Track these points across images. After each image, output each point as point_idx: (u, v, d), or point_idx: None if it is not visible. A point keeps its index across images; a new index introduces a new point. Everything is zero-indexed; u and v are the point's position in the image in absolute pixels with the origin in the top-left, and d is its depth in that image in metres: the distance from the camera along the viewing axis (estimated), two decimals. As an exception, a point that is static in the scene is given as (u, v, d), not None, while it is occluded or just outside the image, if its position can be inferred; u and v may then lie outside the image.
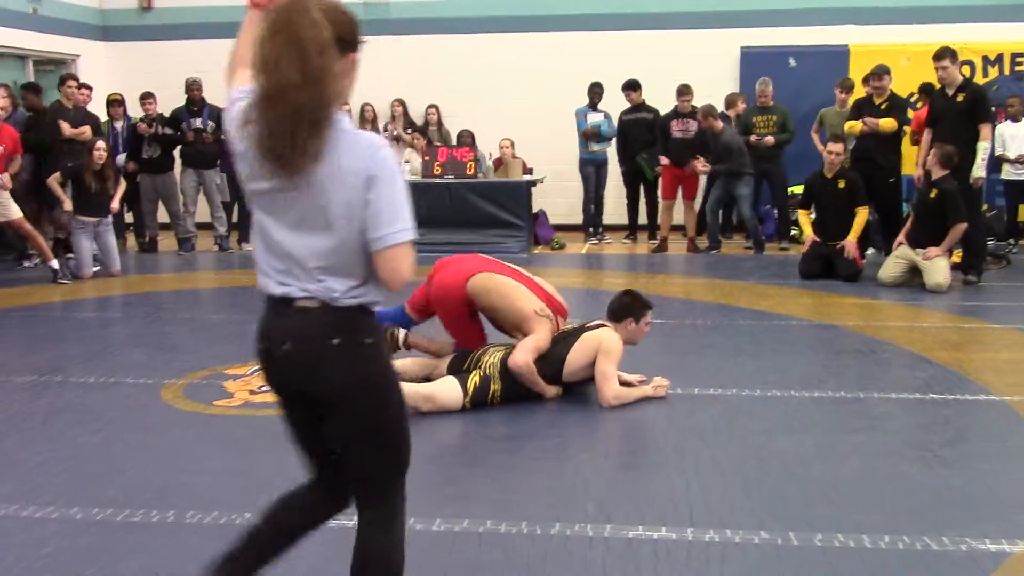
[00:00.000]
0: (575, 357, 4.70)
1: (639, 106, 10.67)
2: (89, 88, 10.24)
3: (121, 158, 10.18)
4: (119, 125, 10.58)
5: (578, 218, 11.41)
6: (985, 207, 9.00)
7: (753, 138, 10.06)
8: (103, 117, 10.51)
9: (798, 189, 9.75)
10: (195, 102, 10.41)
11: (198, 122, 10.35)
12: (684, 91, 10.21)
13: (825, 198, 8.50)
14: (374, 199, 2.03)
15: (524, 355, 4.63)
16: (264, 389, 5.02)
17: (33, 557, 3.07)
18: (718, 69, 11.53)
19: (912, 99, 10.27)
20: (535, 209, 10.92)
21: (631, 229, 11.25)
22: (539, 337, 4.73)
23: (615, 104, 10.82)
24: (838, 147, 8.45)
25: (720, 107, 10.32)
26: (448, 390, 4.61)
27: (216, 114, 10.41)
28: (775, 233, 10.68)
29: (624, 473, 3.88)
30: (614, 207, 11.40)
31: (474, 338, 5.02)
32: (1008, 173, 10.19)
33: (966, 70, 10.22)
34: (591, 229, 11.21)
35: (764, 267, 9.16)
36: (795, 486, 3.63)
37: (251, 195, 2.17)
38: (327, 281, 2.09)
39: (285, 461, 3.98)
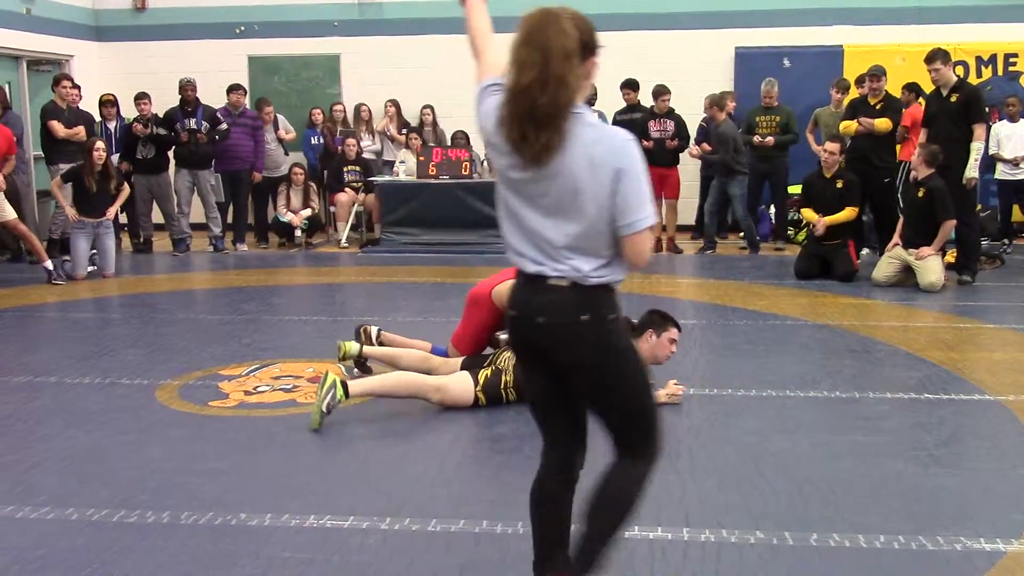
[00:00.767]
0: None
1: (633, 106, 10.67)
2: (77, 87, 10.21)
3: (114, 158, 10.15)
4: (112, 125, 10.56)
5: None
6: (979, 207, 9.02)
7: (756, 138, 10.07)
8: (96, 118, 10.49)
9: (795, 189, 9.77)
10: (189, 102, 10.38)
11: (192, 122, 10.32)
12: (662, 91, 10.20)
13: (823, 198, 8.51)
14: (623, 189, 2.27)
15: None
16: (260, 390, 5.02)
17: (28, 558, 3.07)
18: (712, 70, 11.53)
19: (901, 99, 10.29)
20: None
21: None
22: None
23: (609, 104, 10.82)
24: (834, 147, 8.46)
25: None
26: (459, 381, 4.63)
27: (211, 114, 10.39)
28: (770, 233, 10.69)
29: (620, 473, 3.88)
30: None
31: (471, 344, 5.07)
32: (1002, 173, 10.21)
33: (960, 71, 10.24)
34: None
35: (759, 267, 9.17)
36: (790, 486, 3.64)
37: (506, 183, 2.38)
38: (575, 261, 2.33)
39: (280, 461, 3.99)
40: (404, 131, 11.48)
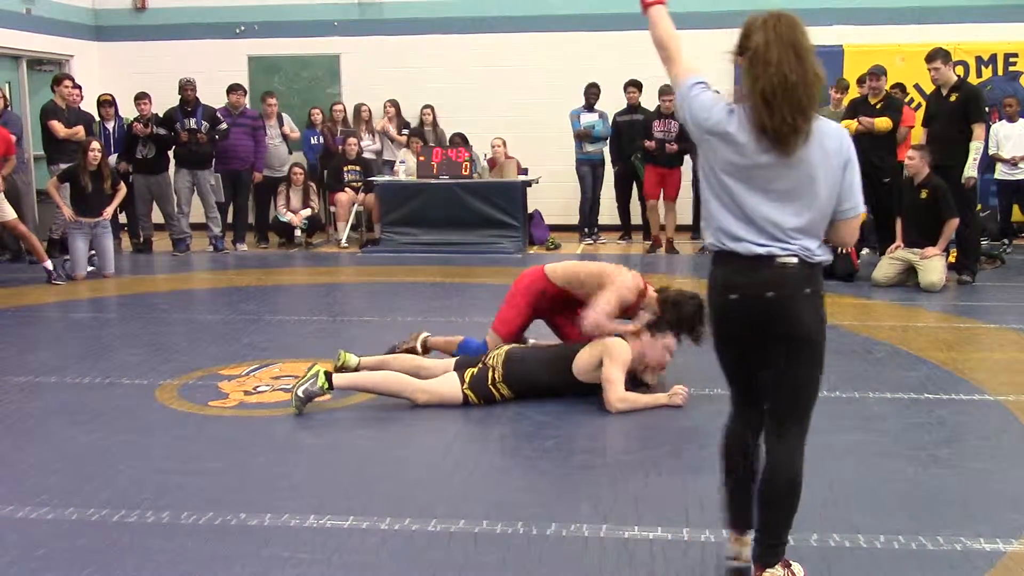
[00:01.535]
0: (583, 357, 4.71)
1: (634, 107, 10.68)
2: (79, 88, 10.21)
3: (112, 158, 10.15)
4: (110, 125, 10.56)
5: (573, 218, 11.41)
6: (979, 207, 9.02)
7: None
8: (95, 117, 10.49)
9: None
10: (189, 102, 10.38)
11: (192, 122, 10.32)
12: (666, 91, 10.20)
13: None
14: (848, 178, 2.61)
15: (593, 312, 4.74)
16: (260, 390, 5.02)
17: (28, 559, 3.06)
18: (713, 70, 11.44)
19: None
20: (530, 209, 10.92)
21: (624, 230, 11.25)
22: (615, 287, 4.83)
23: (611, 104, 10.82)
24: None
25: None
26: (445, 381, 4.67)
27: (210, 114, 10.39)
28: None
29: (620, 473, 3.88)
30: (611, 207, 11.40)
31: (515, 325, 5.18)
32: (1002, 173, 10.22)
33: (960, 71, 10.24)
34: (587, 229, 11.21)
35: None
36: (791, 486, 3.63)
37: (731, 172, 2.60)
38: (803, 241, 2.58)
39: (280, 462, 3.98)
40: (404, 132, 11.49)
